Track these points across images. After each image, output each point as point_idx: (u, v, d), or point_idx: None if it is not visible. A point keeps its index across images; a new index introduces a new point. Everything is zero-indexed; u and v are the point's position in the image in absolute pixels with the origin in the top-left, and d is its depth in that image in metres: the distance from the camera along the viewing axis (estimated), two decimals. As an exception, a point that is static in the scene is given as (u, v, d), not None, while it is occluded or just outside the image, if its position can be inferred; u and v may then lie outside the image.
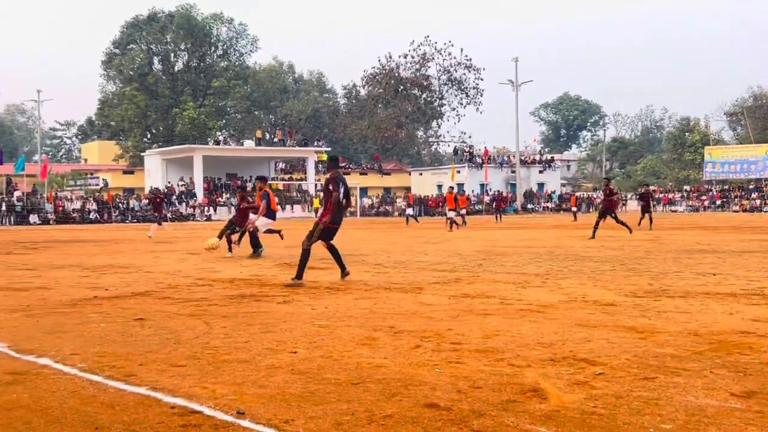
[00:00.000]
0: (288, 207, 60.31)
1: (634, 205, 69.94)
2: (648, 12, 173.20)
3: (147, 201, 37.27)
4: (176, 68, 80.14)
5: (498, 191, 62.19)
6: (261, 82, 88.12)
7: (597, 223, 23.00)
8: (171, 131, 75.56)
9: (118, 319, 7.89)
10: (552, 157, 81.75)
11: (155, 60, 79.94)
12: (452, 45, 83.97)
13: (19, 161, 52.91)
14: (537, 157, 79.01)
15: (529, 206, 68.25)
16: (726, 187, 71.29)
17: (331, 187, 10.99)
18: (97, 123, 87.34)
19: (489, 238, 24.73)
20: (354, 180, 72.33)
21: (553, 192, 72.68)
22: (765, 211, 59.36)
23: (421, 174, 78.94)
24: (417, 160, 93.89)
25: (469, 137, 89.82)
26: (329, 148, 75.97)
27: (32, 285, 11.34)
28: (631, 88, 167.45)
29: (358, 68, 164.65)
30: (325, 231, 11.03)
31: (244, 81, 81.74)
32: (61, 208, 51.56)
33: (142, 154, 71.35)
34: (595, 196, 67.91)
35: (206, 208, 57.07)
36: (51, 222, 49.31)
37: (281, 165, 70.15)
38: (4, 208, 48.82)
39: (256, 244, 16.67)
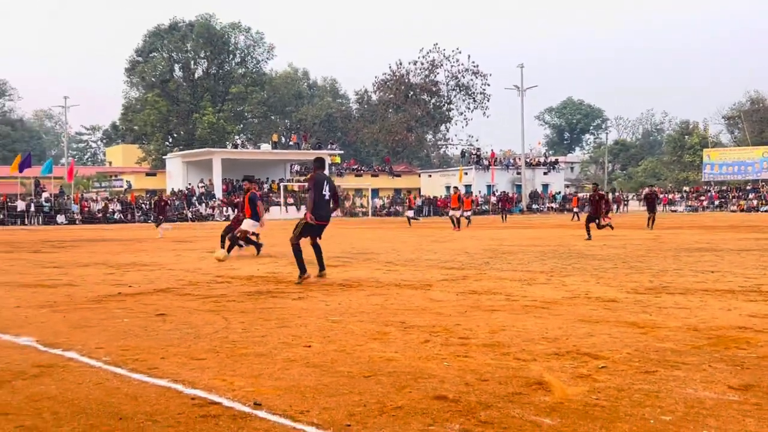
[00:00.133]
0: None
1: (635, 206, 69.86)
2: (647, 19, 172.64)
3: (152, 204, 37.05)
4: (196, 75, 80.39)
5: (504, 192, 62.06)
6: (277, 88, 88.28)
7: (587, 227, 22.35)
8: (191, 135, 75.81)
9: (140, 314, 7.91)
10: (556, 160, 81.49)
11: (176, 67, 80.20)
12: (460, 52, 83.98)
13: (46, 164, 53.15)
14: (541, 160, 78.79)
15: (534, 206, 68.08)
16: (724, 188, 70.95)
17: (307, 186, 11.13)
18: (121, 127, 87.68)
19: (495, 237, 24.69)
20: (366, 181, 72.45)
21: (557, 193, 72.47)
22: (762, 211, 59.01)
23: (430, 176, 78.86)
24: (426, 162, 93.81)
25: (477, 140, 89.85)
26: (342, 151, 76.15)
27: (59, 282, 11.39)
28: (632, 92, 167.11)
29: (369, 74, 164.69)
30: (307, 227, 10.91)
31: (261, 87, 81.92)
32: (86, 209, 51.77)
33: (163, 157, 71.59)
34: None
35: (225, 209, 57.11)
36: (77, 222, 49.52)
37: (296, 167, 70.20)
38: (32, 208, 49.07)
39: (256, 244, 16.27)
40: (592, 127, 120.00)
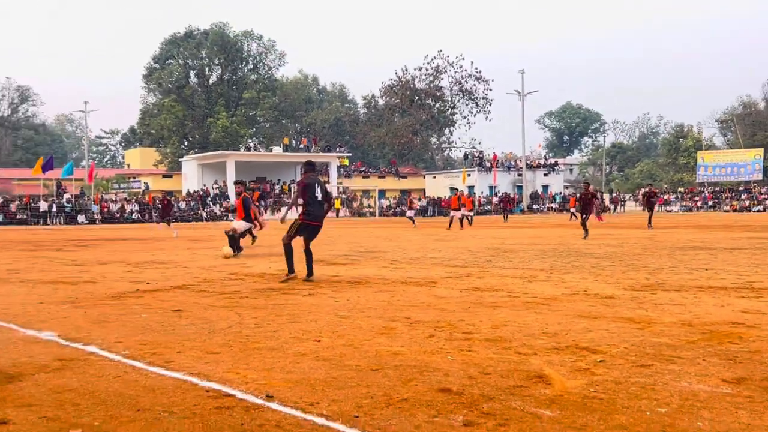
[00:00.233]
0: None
1: (631, 206, 69.71)
2: (645, 24, 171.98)
3: (158, 204, 36.71)
4: (210, 81, 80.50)
5: (505, 193, 61.93)
6: (288, 93, 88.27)
7: (584, 224, 22.12)
8: (206, 139, 75.92)
9: (158, 310, 7.93)
10: (556, 162, 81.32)
11: (191, 74, 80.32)
12: (463, 58, 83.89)
13: (68, 166, 53.27)
14: (542, 162, 78.65)
15: (535, 207, 67.95)
16: (717, 188, 70.69)
17: (294, 189, 10.99)
18: (139, 131, 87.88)
19: (497, 236, 24.67)
20: (373, 183, 72.43)
21: (557, 193, 72.32)
22: (753, 211, 58.80)
23: (434, 177, 78.82)
24: (431, 164, 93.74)
25: (479, 143, 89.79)
26: (350, 154, 76.15)
27: (80, 279, 11.43)
28: (629, 95, 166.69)
29: (376, 80, 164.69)
30: (302, 227, 10.61)
31: (273, 92, 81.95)
32: (106, 209, 51.92)
33: (179, 159, 71.75)
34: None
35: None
36: (97, 222, 49.66)
37: (306, 169, 70.19)
38: (54, 209, 49.22)
39: (235, 246, 15.69)
40: (590, 131, 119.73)
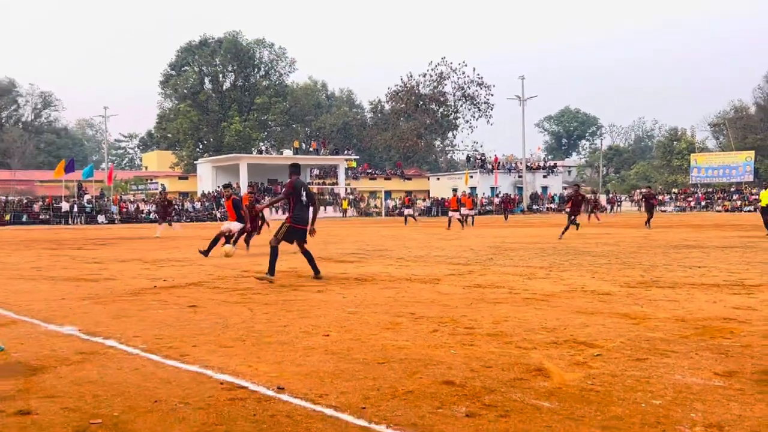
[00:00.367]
0: (322, 208, 60.47)
1: (627, 206, 69.54)
2: (642, 29, 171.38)
3: (156, 205, 36.12)
4: (224, 87, 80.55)
5: (506, 194, 61.80)
6: (298, 98, 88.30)
7: (570, 224, 21.66)
8: (220, 142, 75.99)
9: (174, 306, 7.95)
10: (554, 164, 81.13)
11: (206, 80, 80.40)
12: (466, 65, 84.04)
13: (88, 169, 53.40)
14: (541, 164, 78.49)
15: (534, 207, 67.81)
16: (710, 189, 70.49)
17: (282, 192, 10.61)
18: (156, 135, 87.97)
19: (498, 235, 24.64)
20: (379, 184, 72.46)
21: (556, 194, 72.19)
22: (745, 211, 58.57)
23: (438, 179, 78.75)
24: (435, 166, 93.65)
25: (481, 146, 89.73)
26: (357, 157, 76.12)
27: (100, 276, 11.46)
28: (628, 97, 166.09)
29: (382, 86, 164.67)
30: (290, 230, 10.28)
31: (283, 98, 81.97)
32: (124, 210, 52.02)
33: (195, 162, 71.85)
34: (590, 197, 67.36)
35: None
36: (116, 221, 49.75)
37: (316, 171, 70.21)
38: (75, 209, 49.34)
39: (212, 246, 15.32)
40: (587, 134, 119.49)
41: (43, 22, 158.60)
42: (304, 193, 10.43)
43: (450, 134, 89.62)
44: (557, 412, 3.84)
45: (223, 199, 16.20)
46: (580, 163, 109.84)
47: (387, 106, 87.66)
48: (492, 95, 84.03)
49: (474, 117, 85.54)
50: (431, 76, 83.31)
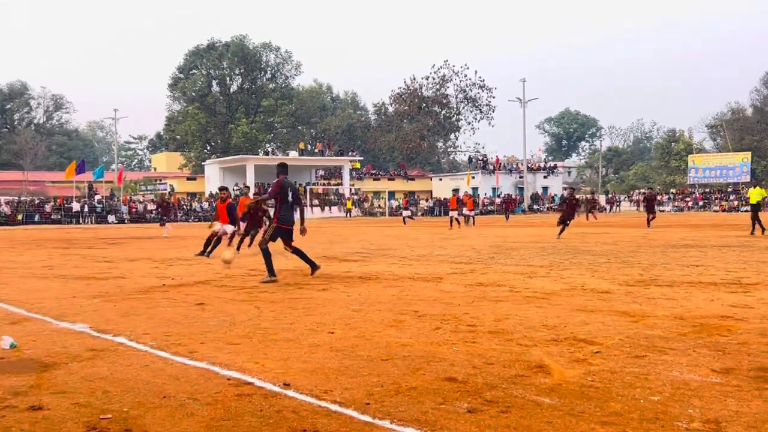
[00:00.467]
0: (327, 208, 60.54)
1: (626, 206, 69.43)
2: (642, 29, 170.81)
3: (156, 206, 35.68)
4: (231, 90, 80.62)
5: (508, 194, 61.76)
6: (303, 101, 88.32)
7: (565, 226, 21.50)
8: (227, 144, 76.06)
9: (182, 304, 7.96)
10: (555, 165, 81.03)
11: (214, 83, 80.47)
12: (468, 68, 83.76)
13: (98, 170, 53.57)
14: (542, 165, 78.44)
15: (535, 207, 67.75)
16: (707, 190, 70.33)
17: (269, 192, 10.45)
18: (165, 137, 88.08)
19: (500, 234, 24.62)
20: (383, 185, 72.48)
21: (556, 195, 72.10)
22: (742, 211, 58.42)
23: (441, 179, 78.70)
24: (437, 167, 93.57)
25: (483, 147, 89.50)
26: (362, 158, 76.15)
27: (110, 275, 11.48)
28: (628, 97, 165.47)
29: (386, 89, 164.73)
30: (277, 231, 10.17)
31: (289, 100, 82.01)
32: (134, 210, 52.10)
33: (203, 163, 71.90)
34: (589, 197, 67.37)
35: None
36: (126, 221, 49.82)
37: (321, 172, 70.25)
38: (86, 209, 49.44)
39: (208, 246, 15.25)
40: (587, 135, 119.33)
41: (55, 27, 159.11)
42: (290, 193, 10.27)
43: (452, 136, 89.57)
44: (557, 408, 3.84)
45: (217, 201, 15.98)
46: (579, 164, 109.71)
47: (390, 109, 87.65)
48: (493, 97, 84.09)
49: (476, 119, 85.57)
50: (434, 78, 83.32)
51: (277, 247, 10.50)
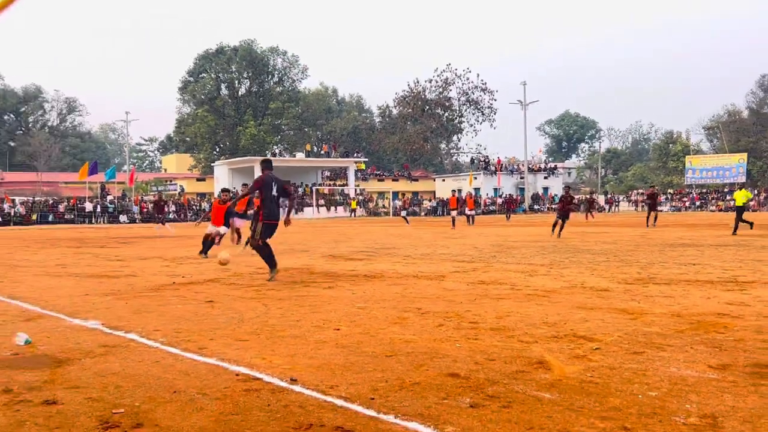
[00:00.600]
0: (332, 208, 60.56)
1: (625, 206, 69.30)
2: (642, 29, 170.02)
3: (152, 205, 35.45)
4: (240, 93, 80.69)
5: (509, 194, 61.68)
6: (310, 104, 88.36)
7: (555, 224, 21.37)
8: (236, 145, 76.13)
9: (192, 301, 7.97)
10: (555, 166, 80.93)
11: (222, 86, 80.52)
12: (470, 71, 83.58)
13: (110, 171, 53.65)
14: (542, 166, 78.35)
15: (536, 207, 67.67)
16: (704, 190, 70.15)
17: (251, 185, 10.17)
18: (175, 139, 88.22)
19: (501, 234, 24.60)
20: (387, 185, 72.47)
21: (556, 195, 71.97)
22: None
23: (443, 180, 78.67)
24: (440, 168, 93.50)
25: (485, 149, 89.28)
26: (366, 159, 76.09)
27: (122, 273, 11.50)
28: (624, 101, 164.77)
29: (390, 91, 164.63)
30: (265, 228, 9.91)
31: (296, 103, 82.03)
32: (145, 210, 52.19)
33: (212, 164, 71.96)
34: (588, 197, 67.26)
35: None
36: (137, 221, 49.92)
37: (327, 173, 70.26)
38: (98, 209, 49.56)
39: (207, 246, 15.04)
40: (586, 137, 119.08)
41: (68, 31, 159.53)
42: (274, 187, 10.04)
43: (455, 137, 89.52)
44: (558, 403, 3.84)
45: (216, 202, 15.81)
46: (579, 164, 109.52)
47: (395, 111, 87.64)
48: (495, 100, 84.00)
49: (478, 121, 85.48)
50: (437, 82, 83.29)
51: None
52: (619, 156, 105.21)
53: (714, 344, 5.27)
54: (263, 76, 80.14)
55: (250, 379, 4.39)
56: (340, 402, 3.90)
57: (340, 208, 61.07)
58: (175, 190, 69.11)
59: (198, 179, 75.58)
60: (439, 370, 4.56)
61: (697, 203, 66.38)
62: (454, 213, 32.21)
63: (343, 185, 66.48)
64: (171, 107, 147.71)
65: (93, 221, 48.46)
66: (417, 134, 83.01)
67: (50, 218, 47.15)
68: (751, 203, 59.88)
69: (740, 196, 22.74)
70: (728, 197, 63.79)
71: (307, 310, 7.19)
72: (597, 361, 4.77)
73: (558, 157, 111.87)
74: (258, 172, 58.11)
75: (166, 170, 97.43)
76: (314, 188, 61.37)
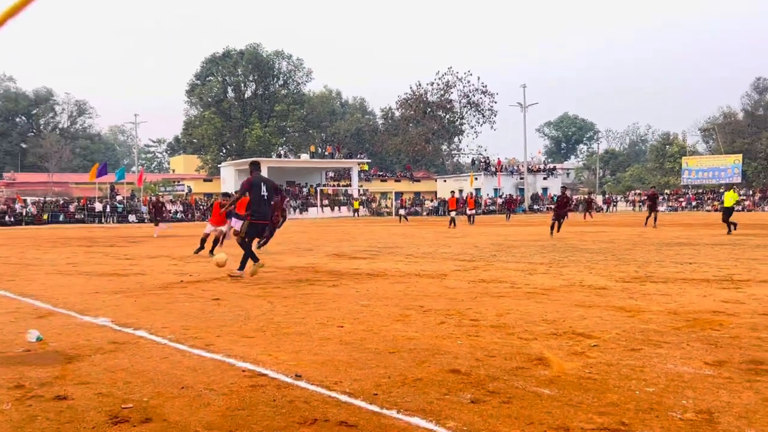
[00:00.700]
0: (336, 208, 60.56)
1: (623, 206, 69.20)
2: (642, 29, 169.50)
3: (150, 207, 35.26)
4: (246, 96, 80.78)
5: (509, 195, 61.59)
6: (314, 106, 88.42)
7: (552, 225, 21.24)
8: (242, 147, 76.22)
9: (199, 299, 7.98)
10: (554, 167, 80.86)
11: (229, 89, 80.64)
12: (470, 74, 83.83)
13: (119, 172, 53.73)
14: (541, 166, 78.27)
15: (535, 207, 67.59)
16: (700, 190, 70.07)
17: (239, 189, 10.28)
18: (183, 140, 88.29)
19: (501, 233, 24.58)
20: (390, 186, 72.45)
21: (555, 195, 71.91)
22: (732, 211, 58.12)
23: (445, 181, 78.59)
24: (441, 169, 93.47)
25: (485, 150, 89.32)
26: (370, 160, 76.06)
27: (131, 272, 11.52)
28: (624, 101, 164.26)
29: (393, 94, 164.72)
30: (251, 227, 9.99)
31: (301, 105, 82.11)
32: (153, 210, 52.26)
33: (218, 165, 71.99)
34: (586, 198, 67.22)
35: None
36: (146, 221, 49.93)
37: (331, 174, 70.29)
38: (108, 209, 49.61)
39: (216, 245, 14.96)
40: (585, 139, 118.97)
41: (79, 37, 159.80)
42: (264, 188, 10.02)
43: (456, 139, 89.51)
44: (557, 398, 3.83)
45: (217, 203, 15.75)
46: (578, 165, 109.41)
47: (397, 113, 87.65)
48: (495, 102, 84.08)
49: (478, 123, 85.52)
50: (438, 84, 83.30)
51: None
52: (617, 157, 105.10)
53: (710, 341, 5.26)
54: (269, 79, 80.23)
55: (256, 375, 4.39)
56: (344, 397, 3.90)
57: (343, 208, 61.06)
58: (183, 190, 69.13)
59: (205, 180, 75.62)
60: (441, 367, 4.55)
61: (693, 203, 66.30)
62: (452, 213, 32.16)
63: (347, 186, 66.48)
64: (179, 110, 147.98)
65: (103, 221, 48.51)
66: (419, 136, 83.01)
67: (61, 218, 47.22)
68: (747, 203, 59.83)
69: (728, 198, 22.69)
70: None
71: (311, 307, 7.19)
72: (595, 357, 4.77)
73: (557, 158, 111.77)
74: (264, 173, 58.11)
75: (174, 171, 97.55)
76: (318, 189, 61.38)
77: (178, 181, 75.07)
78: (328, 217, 55.26)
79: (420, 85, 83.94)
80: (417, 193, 75.14)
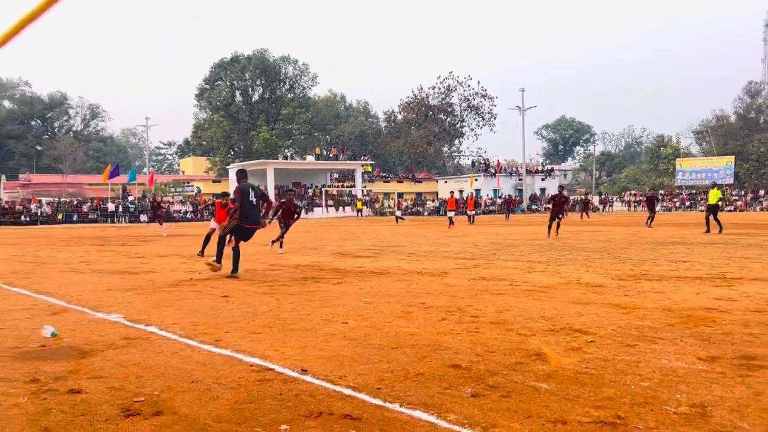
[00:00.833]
0: (340, 208, 60.58)
1: (618, 206, 69.09)
2: (642, 29, 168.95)
3: (150, 207, 35.14)
4: (253, 99, 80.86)
5: (508, 195, 61.50)
6: (319, 109, 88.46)
7: (550, 225, 21.10)
8: (249, 149, 76.31)
9: (208, 296, 7.99)
10: (552, 168, 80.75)
11: (237, 93, 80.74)
12: (471, 78, 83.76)
13: (131, 173, 53.78)
14: (539, 168, 78.22)
15: (533, 207, 67.55)
16: (694, 191, 69.96)
17: (232, 197, 10.48)
18: (192, 143, 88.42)
19: (500, 232, 24.56)
20: (392, 187, 72.46)
21: (552, 194, 71.74)
22: (725, 211, 58.03)
23: (446, 182, 78.54)
24: (442, 170, 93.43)
25: (485, 152, 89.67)
26: (373, 162, 76.16)
27: (142, 270, 11.53)
28: (624, 101, 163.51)
29: (395, 98, 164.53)
30: (236, 228, 10.06)
31: (306, 109, 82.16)
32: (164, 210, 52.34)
33: (226, 167, 72.13)
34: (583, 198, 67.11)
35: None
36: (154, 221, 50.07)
37: (335, 175, 70.33)
38: (120, 209, 49.72)
39: (205, 244, 14.78)
40: (582, 141, 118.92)
41: (91, 42, 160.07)
42: (252, 194, 10.17)
43: (456, 141, 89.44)
44: (554, 393, 3.83)
45: (218, 203, 15.76)
46: (575, 167, 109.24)
47: (399, 116, 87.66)
48: (495, 106, 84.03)
49: (478, 126, 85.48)
50: (440, 88, 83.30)
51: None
52: (613, 159, 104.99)
53: (703, 337, 5.25)
54: (275, 84, 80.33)
55: (263, 370, 4.40)
56: (348, 391, 3.90)
57: (347, 209, 61.10)
58: (193, 191, 69.24)
59: (214, 181, 75.71)
60: (442, 362, 4.55)
61: (687, 204, 66.19)
62: (451, 213, 32.10)
63: (351, 186, 66.49)
64: (188, 113, 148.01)
65: (115, 221, 48.60)
66: (421, 138, 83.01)
67: (75, 218, 47.32)
68: (739, 203, 59.69)
69: (712, 195, 22.48)
70: (717, 198, 63.54)
71: (317, 304, 7.20)
72: (592, 353, 4.77)
73: (554, 159, 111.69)
74: (270, 175, 57.78)
75: (183, 172, 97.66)
76: (323, 189, 61.42)
77: (188, 183, 75.17)
78: (333, 217, 55.28)
79: (422, 89, 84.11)
80: (419, 194, 75.16)
